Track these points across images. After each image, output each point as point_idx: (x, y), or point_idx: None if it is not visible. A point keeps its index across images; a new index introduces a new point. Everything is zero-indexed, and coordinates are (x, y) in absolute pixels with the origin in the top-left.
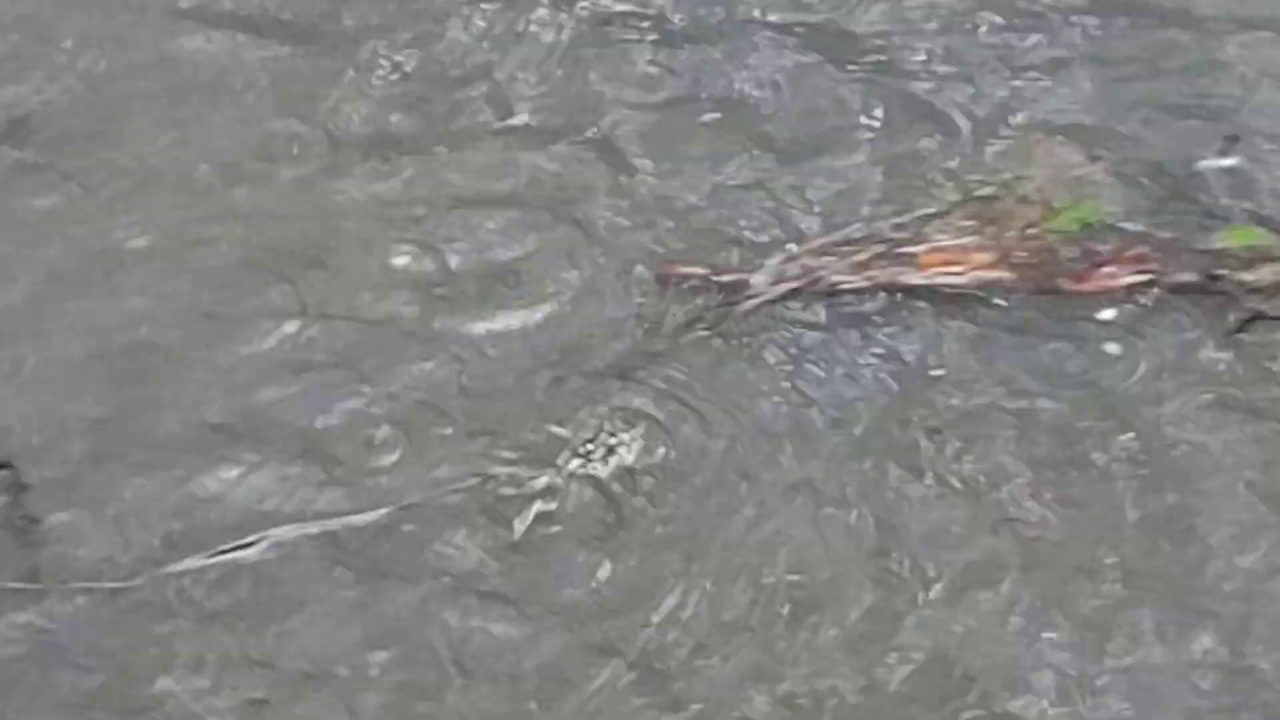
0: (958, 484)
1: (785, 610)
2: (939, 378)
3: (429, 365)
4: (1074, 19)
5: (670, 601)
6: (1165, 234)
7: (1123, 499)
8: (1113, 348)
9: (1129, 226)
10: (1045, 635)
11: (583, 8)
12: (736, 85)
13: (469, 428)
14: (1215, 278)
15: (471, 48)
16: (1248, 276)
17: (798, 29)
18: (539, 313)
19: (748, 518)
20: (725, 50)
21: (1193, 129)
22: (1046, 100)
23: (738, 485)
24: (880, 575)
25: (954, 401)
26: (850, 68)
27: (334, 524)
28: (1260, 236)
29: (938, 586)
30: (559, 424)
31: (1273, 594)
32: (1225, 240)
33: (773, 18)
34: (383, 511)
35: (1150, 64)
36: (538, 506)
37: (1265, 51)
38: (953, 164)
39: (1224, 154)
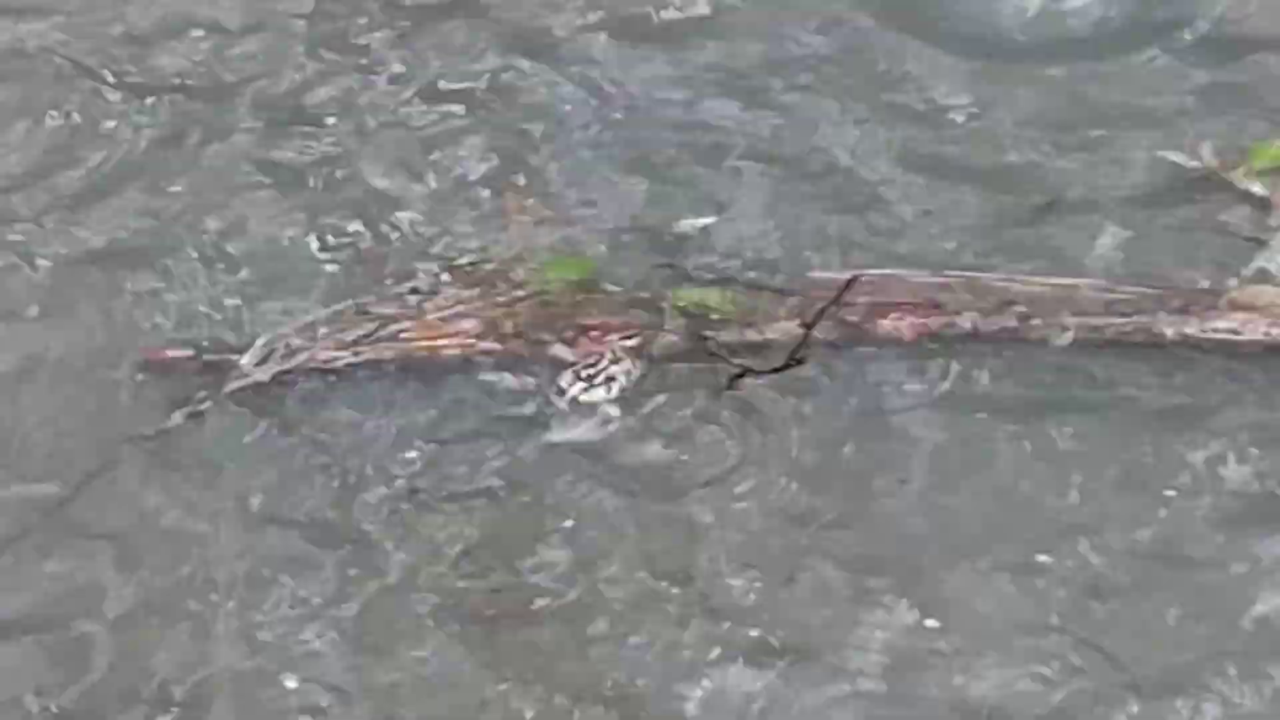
0: None
1: None
2: (412, 459)
3: None
4: None
5: None
6: (649, 295)
7: None
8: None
9: (613, 288)
10: None
11: None
12: None
13: None
14: (703, 338)
15: None
16: (732, 336)
17: None
18: None
19: None
20: None
21: (672, 190)
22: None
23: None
24: None
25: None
26: None
27: None
28: (740, 297)
29: None
30: None
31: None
32: (709, 300)
33: None
34: None
35: None
36: None
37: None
38: (432, 233)
39: (709, 213)
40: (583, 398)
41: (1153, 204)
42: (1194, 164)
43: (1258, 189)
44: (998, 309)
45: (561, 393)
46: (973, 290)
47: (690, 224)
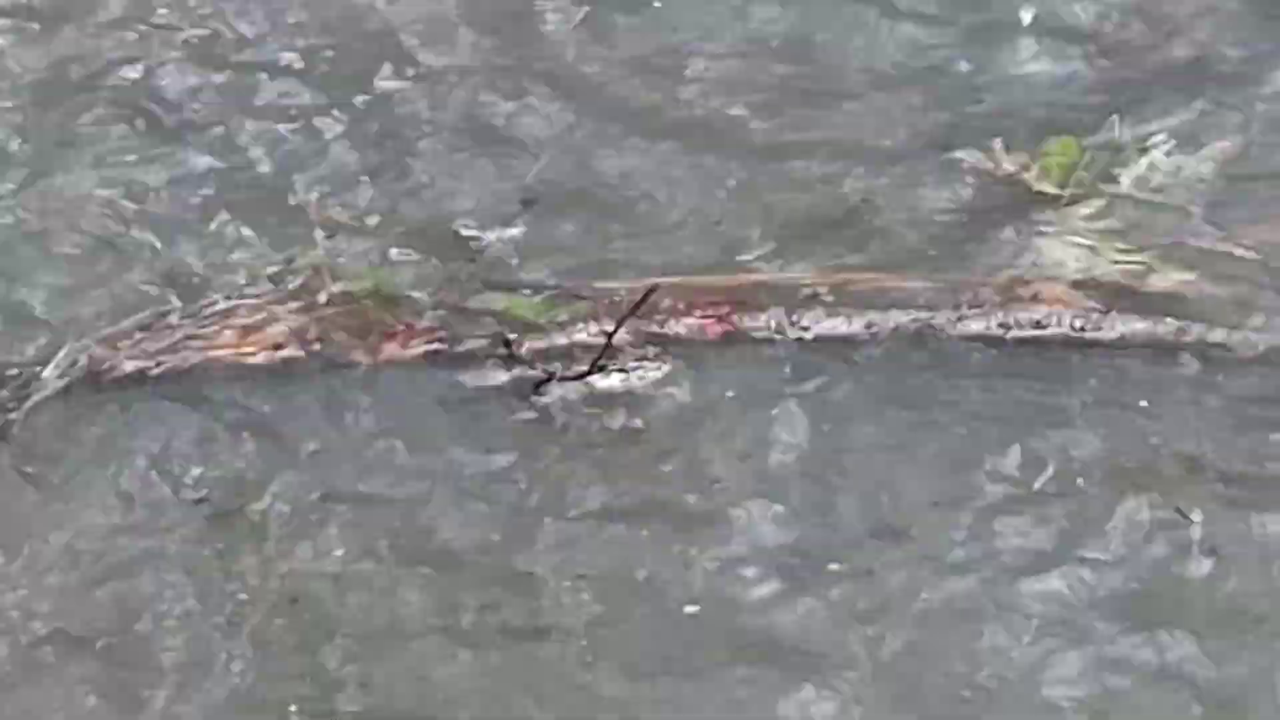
0: None
1: None
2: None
3: None
4: None
5: None
6: (454, 300)
7: None
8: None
9: (418, 295)
10: None
11: None
12: None
13: None
14: (507, 343)
15: None
16: (537, 342)
17: None
18: None
19: None
20: None
21: (482, 195)
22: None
23: None
24: None
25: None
26: None
27: None
28: (543, 303)
29: None
30: None
31: None
32: (513, 307)
33: None
34: None
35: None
36: None
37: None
38: (249, 234)
39: (513, 221)
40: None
41: (949, 204)
42: (990, 165)
43: (1049, 188)
44: (803, 306)
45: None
46: (773, 290)
47: (495, 233)
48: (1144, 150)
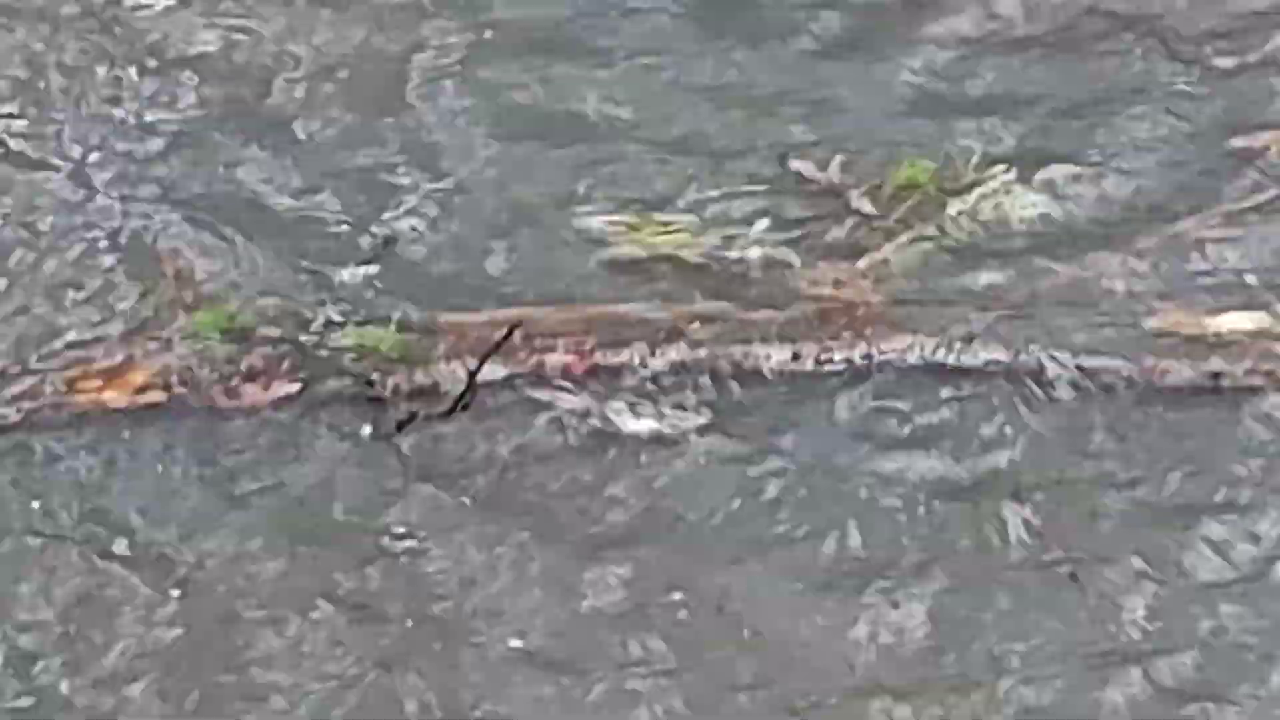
0: None
1: None
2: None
3: None
4: None
5: None
6: (312, 340)
7: None
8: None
9: (274, 332)
10: None
11: None
12: None
13: None
14: (370, 383)
15: None
16: (398, 380)
17: None
18: None
19: None
20: None
21: (341, 235)
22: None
23: None
24: None
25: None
26: None
27: None
28: (401, 340)
29: None
30: None
31: None
32: (370, 342)
33: None
34: None
35: None
36: None
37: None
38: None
39: (369, 260)
40: (633, 427)
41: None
42: (819, 175)
43: (867, 207)
44: (668, 339)
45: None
46: (633, 323)
47: (351, 271)
48: (981, 182)
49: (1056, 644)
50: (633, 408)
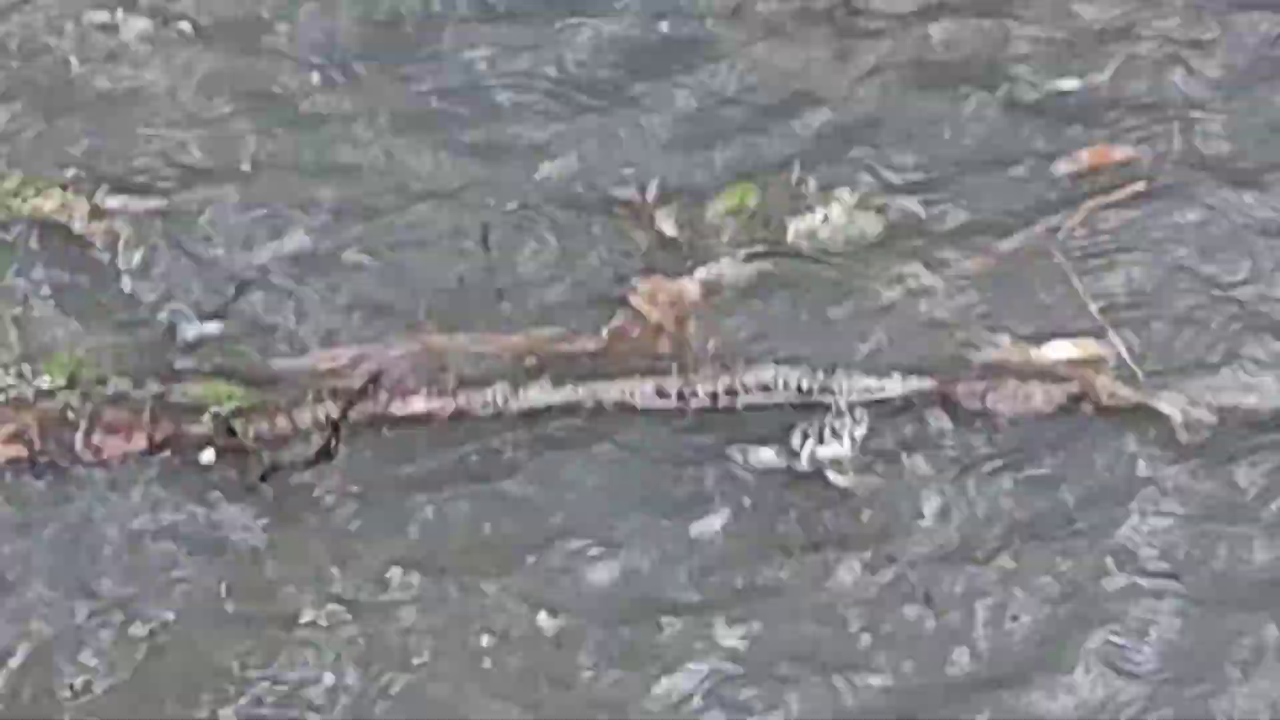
0: None
1: None
2: None
3: None
4: None
5: None
6: (160, 391)
7: None
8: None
9: (125, 387)
10: None
11: None
12: None
13: None
14: (232, 432)
15: None
16: (264, 427)
17: None
18: None
19: None
20: None
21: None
22: None
23: None
24: None
25: None
26: None
27: None
28: (247, 391)
29: None
30: None
31: None
32: (225, 397)
33: None
34: None
35: None
36: None
37: None
38: None
39: (220, 310)
40: (820, 453)
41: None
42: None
43: (669, 230)
44: (532, 375)
45: (795, 454)
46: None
47: (196, 327)
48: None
49: None
50: None
